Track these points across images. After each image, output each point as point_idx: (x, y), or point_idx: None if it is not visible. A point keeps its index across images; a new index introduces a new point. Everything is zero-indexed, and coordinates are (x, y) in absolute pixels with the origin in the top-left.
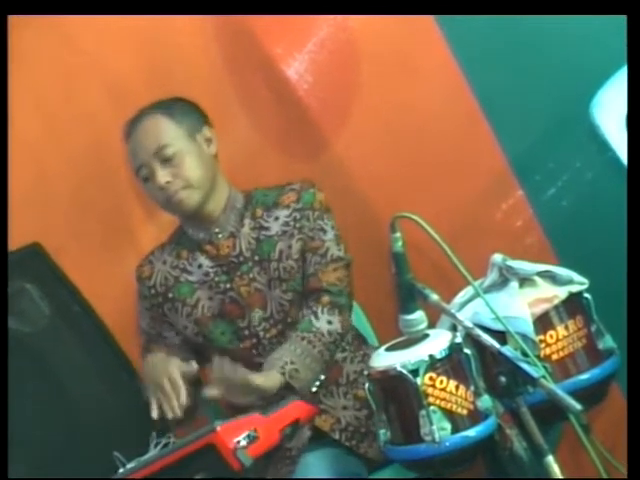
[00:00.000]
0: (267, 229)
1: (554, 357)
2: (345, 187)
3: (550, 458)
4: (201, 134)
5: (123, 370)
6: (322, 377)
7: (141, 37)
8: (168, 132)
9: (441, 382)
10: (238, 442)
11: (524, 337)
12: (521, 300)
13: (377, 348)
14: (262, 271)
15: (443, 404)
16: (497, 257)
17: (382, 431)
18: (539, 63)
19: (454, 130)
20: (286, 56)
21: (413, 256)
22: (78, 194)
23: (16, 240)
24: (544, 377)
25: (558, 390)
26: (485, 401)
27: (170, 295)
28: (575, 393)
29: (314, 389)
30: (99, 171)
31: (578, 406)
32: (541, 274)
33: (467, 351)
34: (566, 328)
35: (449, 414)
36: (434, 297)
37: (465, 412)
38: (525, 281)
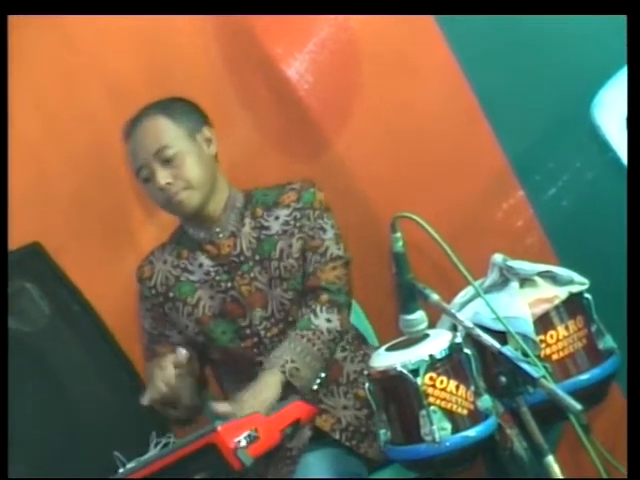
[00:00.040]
0: (267, 228)
1: (554, 357)
2: (346, 187)
3: (550, 458)
4: (201, 134)
5: (123, 370)
6: (322, 375)
7: (141, 37)
8: (168, 133)
9: (441, 382)
10: (239, 442)
11: (524, 337)
12: (521, 300)
13: (377, 348)
14: (263, 270)
15: (443, 404)
16: (497, 257)
17: (382, 431)
18: (539, 63)
19: (454, 130)
20: (286, 56)
21: (413, 256)
22: (78, 194)
23: (16, 240)
24: (544, 377)
25: (558, 390)
26: (485, 401)
27: (171, 294)
28: (575, 393)
29: (314, 387)
30: (99, 171)
31: (578, 406)
32: (541, 274)
33: (467, 351)
34: (566, 328)
35: (449, 414)
36: (434, 297)
37: (465, 412)
38: (525, 281)
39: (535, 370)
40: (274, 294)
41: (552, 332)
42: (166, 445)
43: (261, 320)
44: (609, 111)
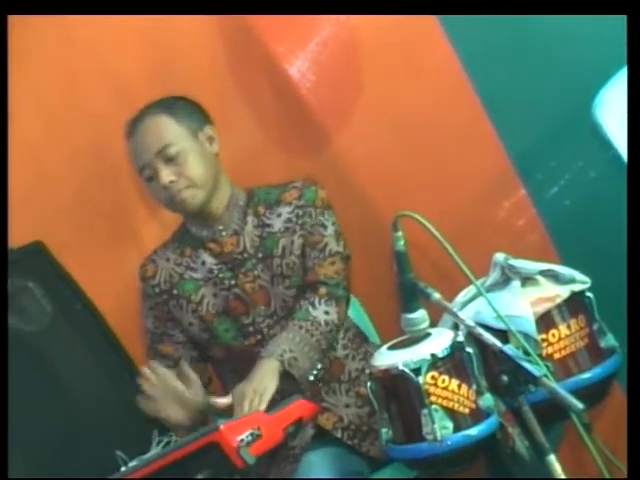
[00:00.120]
0: (270, 226)
1: (556, 356)
2: (347, 185)
3: (552, 457)
4: (203, 133)
5: (125, 368)
6: (319, 366)
7: (142, 36)
8: (171, 131)
9: (443, 381)
10: (241, 440)
11: (526, 336)
12: (523, 299)
13: (379, 346)
14: (266, 268)
15: (445, 403)
16: (499, 256)
17: (384, 430)
18: (541, 62)
19: (456, 129)
20: (288, 55)
21: (415, 255)
22: (79, 193)
23: (17, 239)
24: (546, 376)
25: (560, 389)
26: (487, 400)
27: (175, 292)
28: (577, 392)
29: (311, 378)
30: (100, 170)
31: (580, 405)
32: (543, 273)
33: (469, 350)
34: (568, 327)
35: (451, 413)
36: (436, 296)
37: (467, 411)
38: (527, 280)
39: (537, 369)
40: (276, 291)
41: (554, 331)
42: (168, 444)
43: (264, 317)
44: (611, 110)
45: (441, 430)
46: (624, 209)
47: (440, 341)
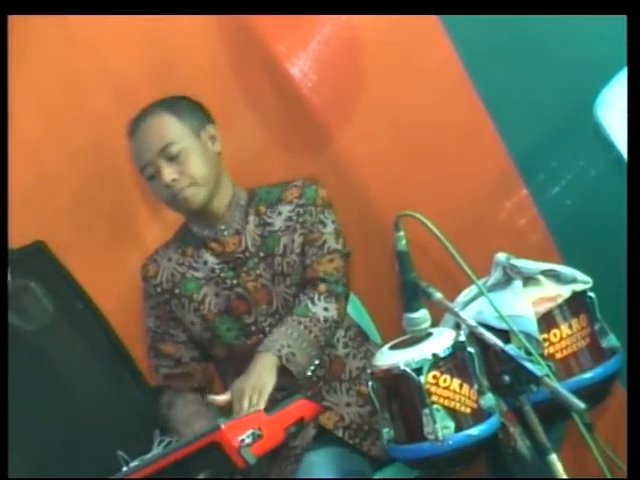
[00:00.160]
0: (271, 225)
1: (558, 356)
2: (349, 185)
3: (553, 456)
4: (205, 132)
5: (126, 368)
6: (316, 362)
7: (143, 36)
8: (173, 130)
9: (444, 381)
10: (242, 440)
11: (528, 336)
12: (525, 299)
13: (380, 345)
14: (267, 267)
15: (446, 403)
16: (501, 256)
17: (385, 430)
18: (543, 62)
19: (458, 128)
20: (290, 54)
21: (417, 254)
22: (80, 193)
23: (18, 239)
24: (548, 376)
25: (562, 389)
26: (488, 399)
27: (177, 291)
28: (578, 392)
29: (309, 374)
30: (100, 170)
31: (582, 405)
32: (545, 273)
33: (471, 350)
34: (570, 327)
35: (452, 413)
36: (438, 296)
37: (468, 411)
38: (529, 280)
39: (538, 369)
40: (278, 290)
41: (555, 331)
42: (170, 443)
43: (266, 317)
44: (612, 109)
45: (442, 430)
46: (626, 208)
47: (442, 341)
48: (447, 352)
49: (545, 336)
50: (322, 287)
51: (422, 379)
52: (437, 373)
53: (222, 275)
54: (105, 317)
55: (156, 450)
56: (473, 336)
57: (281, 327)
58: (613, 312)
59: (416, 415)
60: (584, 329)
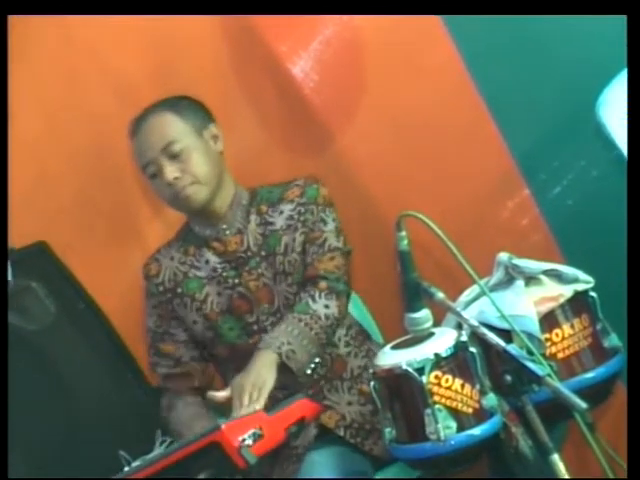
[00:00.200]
0: (272, 224)
1: (560, 355)
2: (350, 185)
3: (555, 456)
4: (208, 131)
5: (128, 368)
6: (317, 360)
7: (143, 36)
8: (175, 128)
9: (446, 380)
10: (243, 440)
11: (530, 335)
12: (527, 299)
13: (381, 344)
14: (269, 266)
15: (448, 402)
16: (503, 256)
17: (387, 429)
18: (544, 62)
19: (459, 128)
20: (291, 54)
21: (419, 254)
22: (80, 193)
23: (19, 239)
24: (549, 375)
25: (563, 388)
26: (490, 399)
27: (179, 290)
28: (580, 391)
29: (309, 371)
30: (101, 170)
31: (583, 404)
32: (547, 273)
33: (472, 349)
34: (572, 327)
35: (454, 412)
36: (440, 295)
37: (470, 410)
38: (531, 280)
39: (540, 368)
40: (279, 289)
41: (557, 330)
42: (171, 444)
43: (268, 316)
44: (614, 109)
45: (444, 430)
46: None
47: (444, 341)
48: (449, 352)
49: (547, 336)
50: (323, 285)
51: (424, 379)
52: (439, 373)
53: (224, 274)
54: (107, 317)
55: (158, 450)
56: (475, 336)
57: (281, 324)
58: (615, 312)
59: (418, 415)
60: (586, 329)
